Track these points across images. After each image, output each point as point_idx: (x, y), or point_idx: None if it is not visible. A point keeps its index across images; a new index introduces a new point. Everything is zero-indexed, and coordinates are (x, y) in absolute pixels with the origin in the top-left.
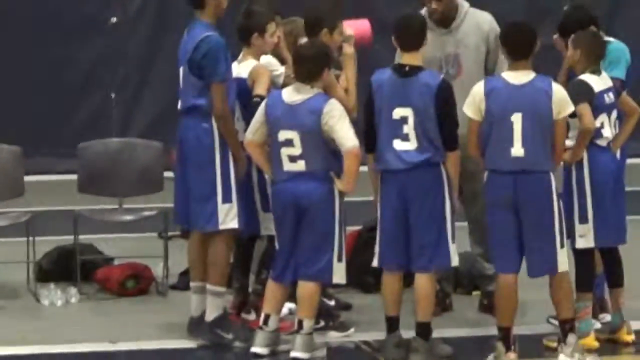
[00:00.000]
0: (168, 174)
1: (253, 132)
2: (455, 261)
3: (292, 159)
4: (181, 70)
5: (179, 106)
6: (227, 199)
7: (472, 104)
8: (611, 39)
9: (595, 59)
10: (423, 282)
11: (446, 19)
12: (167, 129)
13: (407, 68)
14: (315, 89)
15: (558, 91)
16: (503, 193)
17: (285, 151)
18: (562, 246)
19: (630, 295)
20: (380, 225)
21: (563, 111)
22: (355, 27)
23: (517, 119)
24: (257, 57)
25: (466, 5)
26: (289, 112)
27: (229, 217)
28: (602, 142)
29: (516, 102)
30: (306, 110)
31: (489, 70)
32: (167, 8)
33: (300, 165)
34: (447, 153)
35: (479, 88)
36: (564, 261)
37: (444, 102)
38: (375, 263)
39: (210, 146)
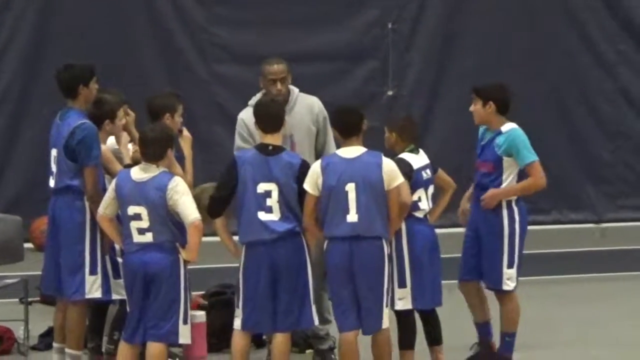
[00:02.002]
0: (27, 245)
1: (105, 207)
2: (316, 321)
3: (141, 231)
4: (54, 152)
5: (51, 184)
6: (93, 271)
7: (310, 178)
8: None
9: (410, 140)
10: (282, 340)
11: (283, 102)
12: (26, 204)
13: (270, 147)
14: (160, 167)
15: (387, 164)
16: (340, 257)
17: (134, 224)
18: (386, 305)
19: (447, 348)
20: (244, 292)
21: (393, 182)
22: None
23: (351, 188)
24: (105, 142)
25: (296, 90)
26: (137, 189)
27: (94, 287)
28: (419, 214)
29: (350, 173)
30: (152, 187)
31: (318, 150)
32: (29, 95)
33: (149, 237)
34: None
35: (316, 165)
36: (386, 319)
37: (303, 179)
38: (237, 326)
39: (81, 223)
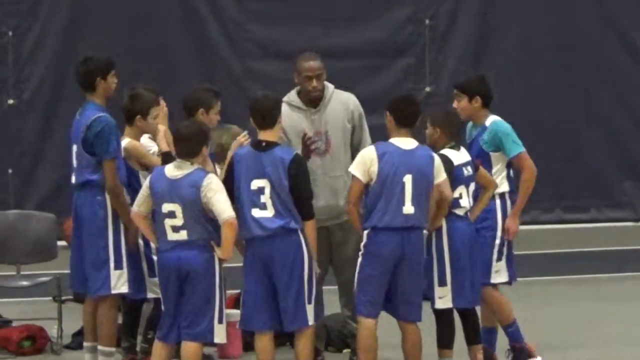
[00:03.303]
0: (61, 243)
1: (139, 205)
2: (310, 320)
3: (175, 229)
4: (74, 148)
5: (73, 181)
6: (118, 265)
7: (361, 165)
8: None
9: (453, 136)
10: (267, 340)
11: (318, 99)
12: (59, 202)
13: (263, 144)
14: (194, 165)
15: (437, 158)
16: (391, 248)
17: (168, 222)
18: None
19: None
20: (244, 289)
21: (440, 176)
22: None
23: (408, 180)
24: (137, 138)
25: (331, 86)
26: (171, 186)
27: (120, 282)
28: (460, 212)
29: (407, 164)
30: (187, 184)
31: (354, 146)
32: (59, 95)
33: (183, 235)
34: (304, 221)
35: (370, 152)
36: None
37: (296, 175)
38: (238, 325)
39: (103, 217)
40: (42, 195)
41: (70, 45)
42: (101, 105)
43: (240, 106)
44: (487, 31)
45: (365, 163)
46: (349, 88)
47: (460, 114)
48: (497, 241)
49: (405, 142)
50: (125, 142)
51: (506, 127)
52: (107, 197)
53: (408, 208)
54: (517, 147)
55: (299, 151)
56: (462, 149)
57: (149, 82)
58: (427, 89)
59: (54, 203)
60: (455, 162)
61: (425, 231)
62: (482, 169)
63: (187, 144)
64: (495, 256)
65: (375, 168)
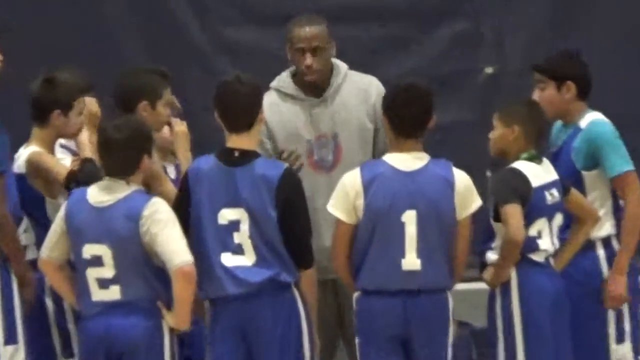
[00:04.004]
0: None
1: (50, 248)
2: None
3: (103, 283)
4: None
5: None
6: (11, 339)
7: (342, 199)
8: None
9: (536, 139)
10: None
11: (321, 84)
12: None
13: (236, 154)
14: (131, 185)
15: (461, 179)
16: (388, 321)
17: (93, 273)
18: None
19: None
20: None
21: (468, 207)
22: None
23: (410, 218)
24: (49, 146)
25: (343, 67)
26: (96, 218)
27: None
28: (538, 257)
29: (408, 194)
30: (119, 215)
31: (377, 156)
32: None
33: (114, 293)
34: (300, 271)
35: (353, 178)
36: None
37: (288, 202)
38: None
39: None
40: None
41: None
42: None
43: (206, 95)
44: None
45: (348, 195)
46: (368, 69)
47: (546, 109)
48: (611, 313)
49: (408, 160)
50: (28, 151)
51: (611, 131)
52: None
53: (411, 262)
54: (621, 163)
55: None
56: (547, 162)
57: (74, 62)
58: (488, 69)
59: None
60: (535, 182)
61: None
62: (575, 193)
63: (119, 155)
64: (613, 336)
65: (361, 202)
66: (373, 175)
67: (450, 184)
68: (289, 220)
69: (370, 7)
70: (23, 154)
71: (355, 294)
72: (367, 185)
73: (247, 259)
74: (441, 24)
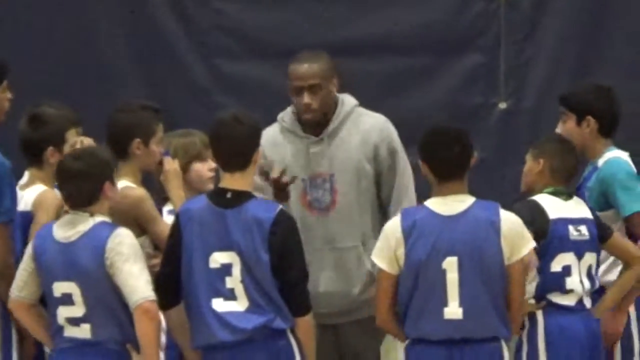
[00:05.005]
0: None
1: (20, 287)
2: None
3: (73, 321)
4: None
5: None
6: None
7: (384, 249)
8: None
9: (565, 177)
10: None
11: (320, 123)
12: None
13: (228, 195)
14: (96, 216)
15: (509, 221)
16: None
17: (63, 312)
18: None
19: None
20: None
21: (518, 251)
22: None
23: (451, 265)
24: (50, 180)
25: (350, 103)
26: (63, 254)
27: None
28: (566, 300)
29: (449, 240)
30: (84, 250)
31: (384, 201)
32: None
33: (85, 331)
34: (296, 318)
35: (394, 225)
36: None
37: (282, 246)
38: None
39: None
40: None
41: None
42: None
43: (207, 127)
44: (601, 10)
45: (390, 244)
46: (377, 104)
47: None
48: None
49: (450, 203)
50: (34, 192)
51: (625, 171)
52: None
53: (453, 310)
54: (633, 204)
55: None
56: (578, 200)
57: (64, 97)
58: (502, 104)
59: None
60: (554, 215)
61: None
62: (617, 236)
63: (77, 185)
64: None
65: (402, 251)
66: (413, 222)
67: (495, 227)
68: (283, 264)
69: (379, 39)
70: (31, 193)
71: (405, 343)
72: (407, 233)
73: (239, 305)
74: (455, 57)
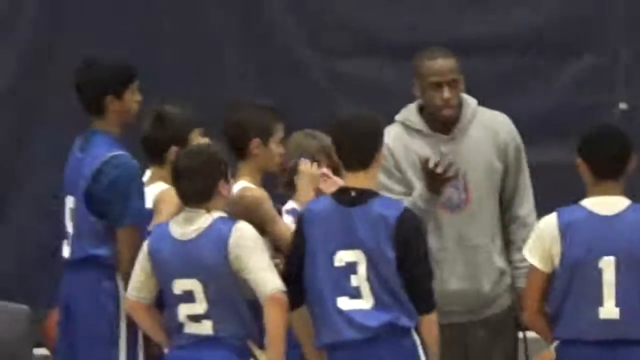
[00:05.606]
0: (39, 352)
1: (138, 289)
2: None
3: (195, 318)
4: (70, 201)
5: (64, 254)
6: None
7: (539, 247)
8: None
9: None
10: None
11: (456, 119)
12: (36, 286)
13: (353, 193)
14: (213, 212)
15: None
16: None
17: (184, 309)
18: None
19: None
20: None
21: None
22: None
23: (608, 265)
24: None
25: (472, 102)
26: (183, 251)
27: None
28: None
29: (606, 240)
30: (206, 246)
31: (506, 200)
32: (28, 115)
33: (206, 327)
34: (421, 316)
35: (550, 223)
36: None
37: (408, 243)
38: None
39: (112, 314)
40: (6, 275)
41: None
42: (114, 135)
43: (324, 127)
44: None
45: (544, 242)
46: (495, 103)
47: None
48: None
49: (606, 203)
50: (155, 190)
51: None
52: (122, 284)
53: (608, 310)
54: None
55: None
56: None
57: (176, 94)
58: (623, 105)
59: (28, 287)
60: None
61: None
62: None
63: (193, 182)
64: None
65: (558, 249)
66: (570, 221)
67: None
68: (409, 262)
69: (499, 39)
70: (151, 191)
71: (553, 344)
72: (564, 231)
73: (364, 303)
74: (573, 56)
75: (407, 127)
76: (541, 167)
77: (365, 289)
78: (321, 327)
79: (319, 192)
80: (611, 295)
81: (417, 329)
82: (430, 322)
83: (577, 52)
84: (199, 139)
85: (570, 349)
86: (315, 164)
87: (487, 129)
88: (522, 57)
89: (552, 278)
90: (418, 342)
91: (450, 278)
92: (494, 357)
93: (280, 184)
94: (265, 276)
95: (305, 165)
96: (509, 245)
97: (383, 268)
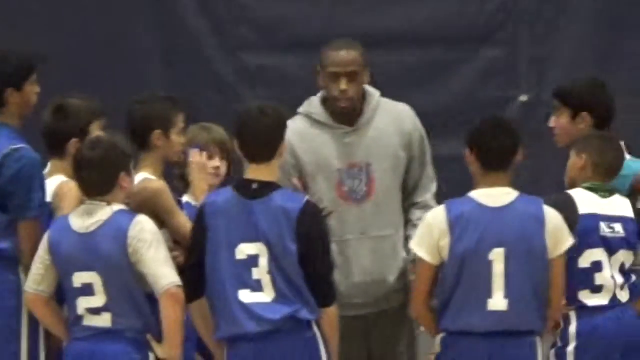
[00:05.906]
0: None
1: (38, 282)
2: None
3: (94, 311)
4: None
5: None
6: None
7: (427, 239)
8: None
9: (606, 173)
10: None
11: (353, 112)
12: None
13: (255, 185)
14: (114, 205)
15: (552, 216)
16: None
17: (83, 302)
18: None
19: None
20: None
21: (561, 245)
22: None
23: (498, 257)
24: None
25: (376, 94)
26: (83, 244)
27: None
28: (597, 300)
29: (496, 231)
30: (106, 237)
31: (409, 190)
32: None
33: (105, 320)
34: (321, 309)
35: (437, 216)
36: None
37: (310, 236)
38: None
39: (14, 309)
40: None
41: None
42: (15, 128)
43: (230, 120)
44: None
45: (432, 234)
46: (401, 95)
47: (556, 139)
48: None
49: (495, 195)
50: (54, 183)
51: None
52: (24, 277)
53: (498, 302)
54: None
55: (313, 195)
56: (619, 198)
57: (86, 89)
58: (523, 97)
59: None
60: (585, 210)
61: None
62: None
63: (95, 172)
64: None
65: (447, 241)
66: (459, 213)
67: (540, 222)
68: (310, 255)
69: (403, 33)
70: (50, 185)
71: (439, 336)
72: (453, 224)
73: (265, 296)
74: (476, 51)
75: (310, 119)
76: (445, 160)
77: (267, 282)
78: (221, 320)
79: (211, 188)
80: (500, 286)
81: (318, 322)
82: (331, 315)
83: (479, 46)
84: (98, 131)
85: (459, 341)
86: (204, 154)
87: (392, 119)
88: (426, 51)
89: (439, 271)
90: (319, 335)
91: (354, 270)
92: (398, 349)
93: (174, 177)
94: (161, 271)
95: (193, 156)
96: (407, 224)
97: (284, 261)
